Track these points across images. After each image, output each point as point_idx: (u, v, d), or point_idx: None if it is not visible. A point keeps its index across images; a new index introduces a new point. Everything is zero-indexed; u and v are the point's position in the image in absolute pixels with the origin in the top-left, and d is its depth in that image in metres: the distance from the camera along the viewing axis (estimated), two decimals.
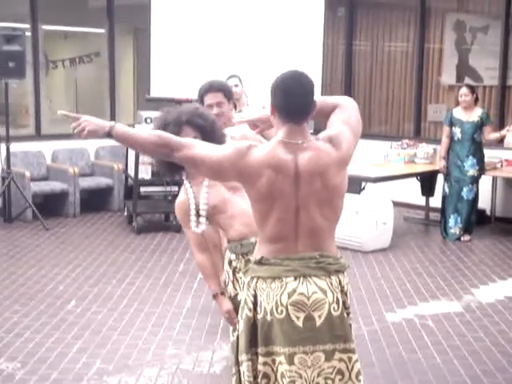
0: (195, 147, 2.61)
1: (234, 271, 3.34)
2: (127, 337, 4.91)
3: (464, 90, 7.65)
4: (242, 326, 2.65)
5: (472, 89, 7.71)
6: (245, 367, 2.63)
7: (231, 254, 3.35)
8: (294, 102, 2.56)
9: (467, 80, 8.94)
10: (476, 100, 7.70)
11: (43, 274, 6.31)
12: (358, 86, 10.15)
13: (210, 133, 3.27)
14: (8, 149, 8.01)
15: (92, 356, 4.57)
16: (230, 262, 3.36)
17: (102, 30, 9.67)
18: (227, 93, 4.03)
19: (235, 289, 3.32)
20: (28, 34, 8.70)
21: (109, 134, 2.59)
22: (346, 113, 2.70)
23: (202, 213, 3.30)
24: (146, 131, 2.66)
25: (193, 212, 3.32)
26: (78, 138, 2.68)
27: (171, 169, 3.31)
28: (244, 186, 2.63)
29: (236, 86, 6.56)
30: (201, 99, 4.02)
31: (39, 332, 4.95)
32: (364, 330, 5.07)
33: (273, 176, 2.53)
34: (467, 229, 7.73)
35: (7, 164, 8.03)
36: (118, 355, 4.59)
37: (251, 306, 2.61)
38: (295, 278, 2.56)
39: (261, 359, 2.60)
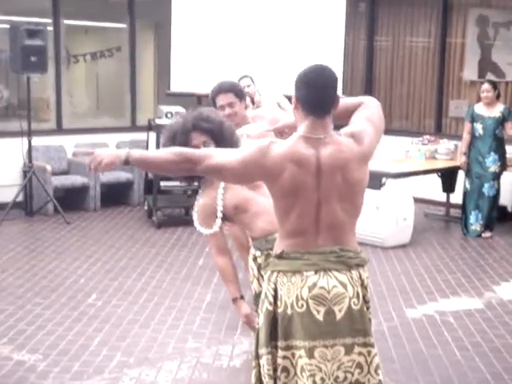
0: (215, 156, 2.60)
1: (259, 268, 3.34)
2: (147, 330, 4.93)
3: (486, 86, 7.59)
4: (262, 319, 2.66)
5: (494, 84, 7.65)
6: (264, 360, 2.63)
7: (256, 250, 3.36)
8: (316, 94, 2.57)
9: (489, 76, 8.86)
10: (498, 96, 7.64)
11: (64, 268, 6.35)
12: (379, 81, 10.11)
13: (219, 134, 3.29)
14: (30, 143, 8.06)
15: (112, 349, 4.59)
16: (255, 259, 3.37)
17: (123, 25, 9.70)
18: (238, 92, 4.05)
19: (260, 285, 3.33)
20: (50, 28, 8.74)
21: (126, 162, 2.60)
22: (368, 110, 2.72)
23: (219, 214, 3.32)
24: (163, 151, 2.66)
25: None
26: (95, 172, 2.68)
27: (188, 177, 3.33)
28: (267, 183, 2.64)
29: (248, 86, 6.58)
30: (213, 101, 4.06)
31: (60, 324, 4.99)
32: (384, 326, 5.05)
33: (295, 170, 2.54)
34: (488, 225, 7.68)
35: (29, 158, 8.08)
36: (139, 348, 4.62)
37: (271, 299, 2.62)
38: (315, 272, 2.57)
39: (280, 353, 2.61)
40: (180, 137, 3.22)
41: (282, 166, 2.54)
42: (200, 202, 3.39)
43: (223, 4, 8.75)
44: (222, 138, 3.27)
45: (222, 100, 4.00)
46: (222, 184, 3.31)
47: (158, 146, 7.80)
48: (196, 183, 3.48)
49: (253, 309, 3.44)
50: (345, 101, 2.75)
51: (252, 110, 4.80)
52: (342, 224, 2.62)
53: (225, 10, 8.73)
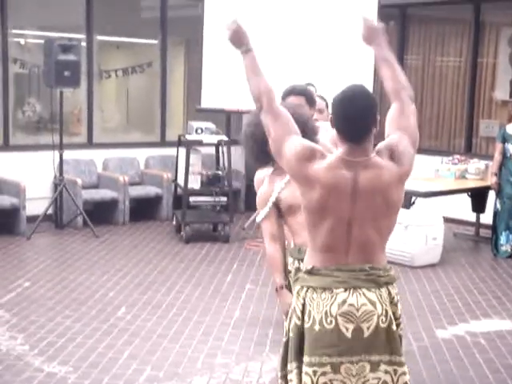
0: (279, 121, 2.65)
1: (287, 274, 3.36)
2: (177, 345, 4.93)
3: None
4: (291, 334, 2.67)
5: None
6: (294, 376, 2.64)
7: (289, 257, 3.37)
8: (350, 125, 2.58)
9: None
10: None
11: (93, 281, 6.38)
12: None
13: (302, 131, 3.27)
14: (61, 156, 8.15)
15: (143, 362, 4.60)
16: (285, 265, 3.38)
17: (154, 41, 9.80)
18: (309, 98, 3.97)
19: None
20: (83, 44, 8.85)
21: (247, 51, 2.75)
22: (405, 119, 2.69)
23: (269, 204, 3.31)
24: (266, 77, 2.73)
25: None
26: None
27: (258, 159, 3.34)
28: (298, 184, 2.65)
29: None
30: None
31: (90, 337, 5.01)
32: (414, 346, 5.01)
33: (324, 193, 2.55)
34: None
35: (60, 171, 8.16)
36: (168, 362, 4.62)
37: (299, 314, 2.64)
38: (345, 290, 2.58)
39: (304, 368, 2.61)
40: (256, 129, 3.23)
41: (313, 185, 2.56)
42: (264, 188, 3.38)
43: (254, 21, 8.79)
44: (304, 135, 3.26)
45: (291, 101, 3.92)
46: (287, 177, 3.26)
47: (187, 162, 7.83)
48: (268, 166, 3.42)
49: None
50: (395, 70, 2.78)
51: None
52: (373, 243, 2.62)
53: (256, 27, 8.77)
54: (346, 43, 8.95)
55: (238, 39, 2.81)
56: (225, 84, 8.82)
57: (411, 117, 2.70)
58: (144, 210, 8.96)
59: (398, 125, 2.67)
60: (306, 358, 2.60)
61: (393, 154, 2.60)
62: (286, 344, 2.72)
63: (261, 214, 3.37)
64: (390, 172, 2.58)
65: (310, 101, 3.97)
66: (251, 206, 9.19)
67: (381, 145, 2.64)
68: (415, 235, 7.12)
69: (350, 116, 2.57)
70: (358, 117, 2.56)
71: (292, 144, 2.62)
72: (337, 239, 2.59)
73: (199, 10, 8.78)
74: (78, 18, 9.09)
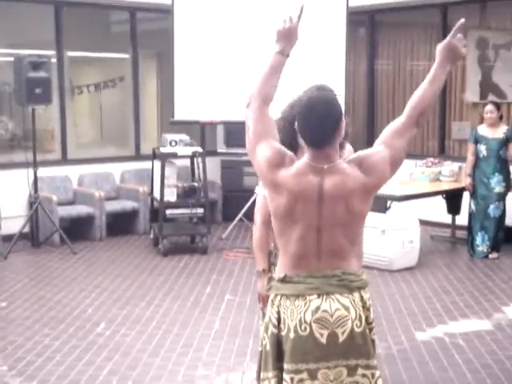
0: (262, 122, 2.69)
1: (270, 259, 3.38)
2: (157, 358, 4.92)
3: (489, 107, 7.64)
4: (267, 342, 2.67)
5: (497, 105, 7.70)
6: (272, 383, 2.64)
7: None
8: (311, 133, 2.60)
9: (491, 97, 8.90)
10: (501, 117, 7.69)
11: (72, 298, 6.35)
12: (381, 104, 10.16)
13: None
14: (35, 174, 8.10)
15: (123, 378, 4.58)
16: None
17: (125, 55, 9.79)
18: None
19: None
20: (53, 60, 8.82)
21: (282, 53, 2.84)
22: (400, 141, 2.66)
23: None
24: (276, 88, 2.81)
25: None
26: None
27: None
28: (267, 191, 2.68)
29: None
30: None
31: (70, 355, 4.98)
32: (394, 349, 5.03)
33: (291, 200, 2.58)
34: (495, 246, 7.67)
35: (35, 189, 8.11)
36: (149, 377, 4.60)
37: (275, 322, 2.65)
38: (318, 296, 2.60)
39: (284, 375, 2.62)
40: (289, 110, 3.24)
41: (281, 192, 2.59)
42: None
43: (224, 32, 8.83)
44: None
45: None
46: None
47: (162, 175, 7.83)
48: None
49: None
50: (420, 96, 2.72)
51: None
52: (343, 248, 2.64)
53: (226, 37, 8.81)
54: (315, 51, 9.01)
55: (286, 37, 2.81)
56: (197, 95, 8.84)
57: (405, 141, 2.68)
58: (121, 224, 8.93)
59: (389, 142, 2.66)
60: (284, 366, 2.62)
61: (362, 164, 2.60)
62: (261, 354, 2.73)
63: (262, 190, 3.34)
64: (354, 180, 2.58)
65: None
66: (228, 217, 9.23)
67: (358, 153, 2.66)
68: (392, 239, 7.16)
69: (309, 123, 2.59)
70: (317, 124, 2.58)
71: (265, 147, 2.65)
72: (307, 246, 2.61)
73: (169, 22, 8.80)
74: (47, 35, 9.06)
